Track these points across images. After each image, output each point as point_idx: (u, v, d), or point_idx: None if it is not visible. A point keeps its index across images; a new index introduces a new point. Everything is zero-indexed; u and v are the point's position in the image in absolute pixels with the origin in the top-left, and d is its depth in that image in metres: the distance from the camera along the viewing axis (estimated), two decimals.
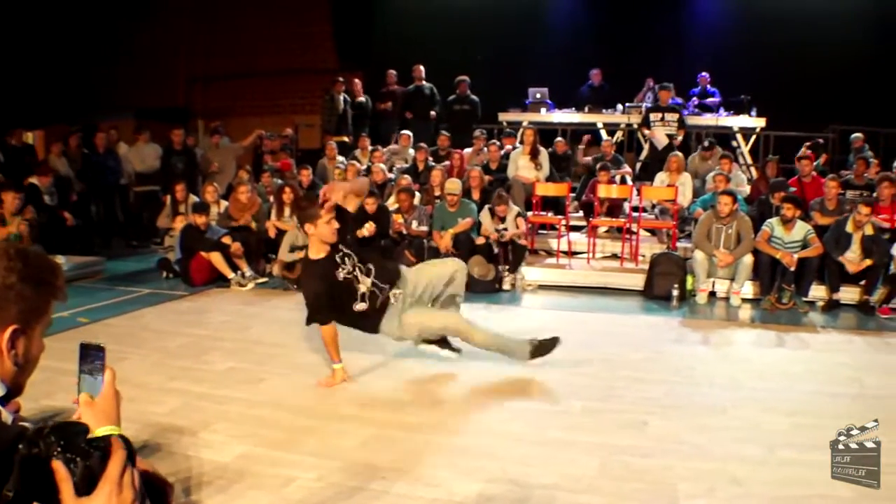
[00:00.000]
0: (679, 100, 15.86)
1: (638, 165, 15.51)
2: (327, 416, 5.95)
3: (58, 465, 1.54)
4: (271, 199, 12.66)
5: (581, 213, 13.50)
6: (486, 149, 14.40)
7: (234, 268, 11.12)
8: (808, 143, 13.78)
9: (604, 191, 12.70)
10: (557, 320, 9.49)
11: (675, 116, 14.45)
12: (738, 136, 15.89)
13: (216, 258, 10.96)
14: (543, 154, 13.70)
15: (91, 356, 1.96)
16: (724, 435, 5.73)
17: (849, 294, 10.74)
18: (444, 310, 7.00)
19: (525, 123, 15.50)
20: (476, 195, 12.45)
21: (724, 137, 15.67)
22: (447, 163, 14.10)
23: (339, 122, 16.48)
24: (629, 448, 5.42)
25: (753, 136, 15.91)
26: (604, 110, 16.32)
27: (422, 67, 16.71)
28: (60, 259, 10.35)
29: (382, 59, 18.35)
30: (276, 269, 11.55)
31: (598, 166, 13.33)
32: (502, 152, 14.20)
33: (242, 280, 11.03)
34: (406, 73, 16.97)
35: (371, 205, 11.50)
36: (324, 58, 19.58)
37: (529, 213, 12.55)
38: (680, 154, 13.27)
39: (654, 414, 6.07)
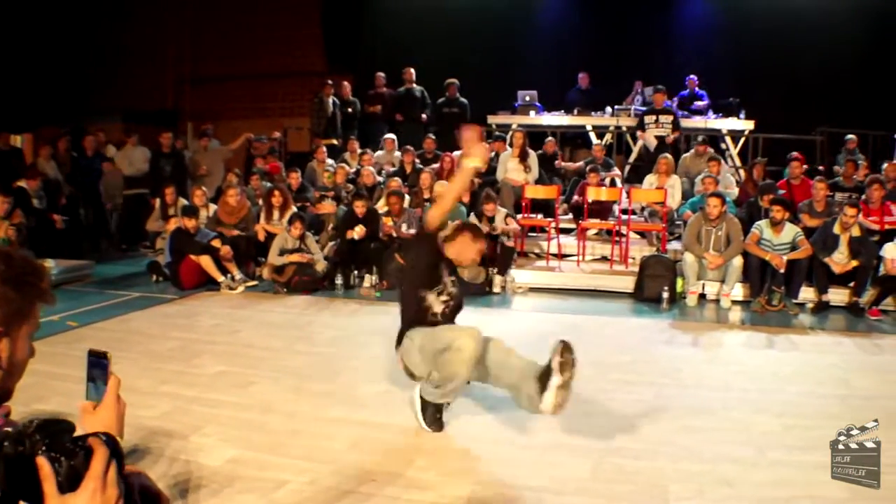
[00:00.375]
0: (669, 102, 15.89)
1: (627, 168, 15.52)
2: (317, 419, 5.94)
3: (42, 462, 1.53)
4: (260, 202, 12.64)
5: (570, 216, 13.50)
6: None
7: (224, 271, 11.10)
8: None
9: (593, 193, 12.70)
10: (547, 323, 9.51)
11: (670, 118, 14.49)
12: (727, 139, 15.91)
13: (206, 261, 10.95)
14: (532, 157, 13.72)
15: (97, 364, 1.96)
16: (714, 436, 5.74)
17: (838, 296, 10.77)
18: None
19: (514, 126, 15.49)
20: (465, 198, 12.44)
21: (712, 140, 15.68)
22: (436, 165, 14.09)
23: (328, 124, 16.47)
24: (620, 450, 5.43)
25: (742, 139, 15.93)
26: (593, 113, 16.33)
27: (412, 70, 16.71)
28: (49, 263, 10.35)
29: (371, 62, 18.35)
30: (265, 272, 11.52)
31: (587, 168, 13.33)
32: (491, 154, 14.20)
33: (232, 283, 11.01)
34: (395, 75, 16.97)
35: (360, 208, 11.51)
36: (313, 61, 19.58)
37: (519, 216, 12.54)
38: (669, 157, 13.28)
39: (645, 416, 6.07)
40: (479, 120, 16.25)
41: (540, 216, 13.07)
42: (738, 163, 15.77)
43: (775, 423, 6.08)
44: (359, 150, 15.16)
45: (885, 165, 13.00)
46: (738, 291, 11.05)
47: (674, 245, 12.27)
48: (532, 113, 16.36)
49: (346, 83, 17.13)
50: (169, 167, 14.68)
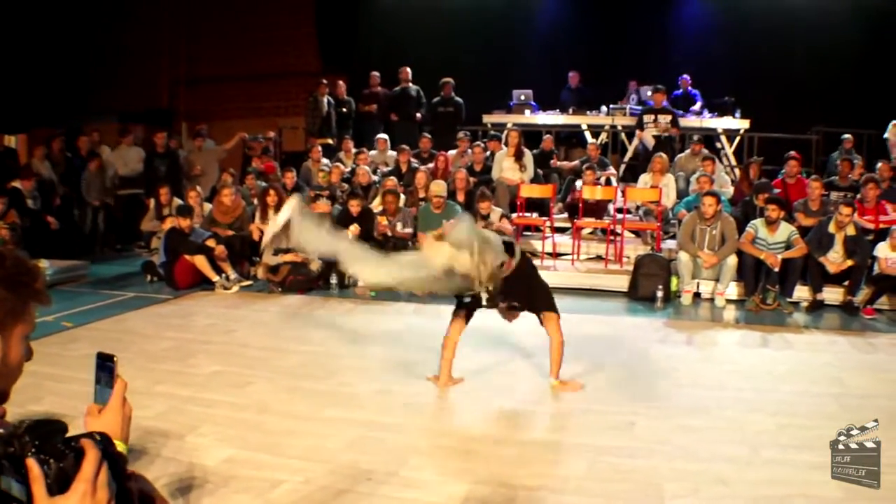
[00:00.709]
0: (665, 102, 15.91)
1: (622, 167, 15.53)
2: (313, 418, 5.95)
3: (31, 464, 1.53)
4: (255, 201, 12.62)
5: (566, 215, 13.50)
6: (470, 150, 14.40)
7: (219, 271, 11.08)
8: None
9: (588, 192, 12.70)
10: None
11: (668, 118, 14.49)
12: (723, 138, 15.92)
13: (200, 261, 10.93)
14: (528, 156, 13.72)
15: (104, 366, 1.95)
16: (709, 435, 5.76)
17: (833, 294, 10.79)
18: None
19: (509, 125, 15.46)
20: (461, 197, 12.45)
21: (708, 139, 15.70)
22: (431, 165, 14.09)
23: (323, 124, 16.43)
24: (615, 449, 5.44)
25: (738, 138, 15.95)
26: (588, 112, 16.34)
27: (408, 69, 16.67)
28: (44, 263, 10.34)
29: (366, 62, 18.31)
30: (260, 271, 11.49)
31: (583, 167, 13.34)
32: (487, 153, 14.22)
33: (227, 283, 11.00)
34: (390, 75, 16.95)
35: (355, 207, 11.50)
36: (308, 60, 19.54)
37: (514, 215, 12.56)
38: (664, 156, 13.29)
39: (640, 415, 6.09)
40: (474, 119, 16.31)
41: (535, 215, 13.07)
42: (733, 162, 15.78)
43: (770, 421, 6.10)
44: (354, 150, 15.14)
45: (879, 164, 13.02)
46: (733, 290, 11.06)
47: (668, 244, 12.26)
48: (527, 112, 16.36)
49: (340, 82, 17.11)
50: (164, 167, 14.63)
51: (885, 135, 14.68)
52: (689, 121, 15.83)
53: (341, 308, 10.23)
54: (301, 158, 15.70)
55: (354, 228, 11.26)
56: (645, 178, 13.10)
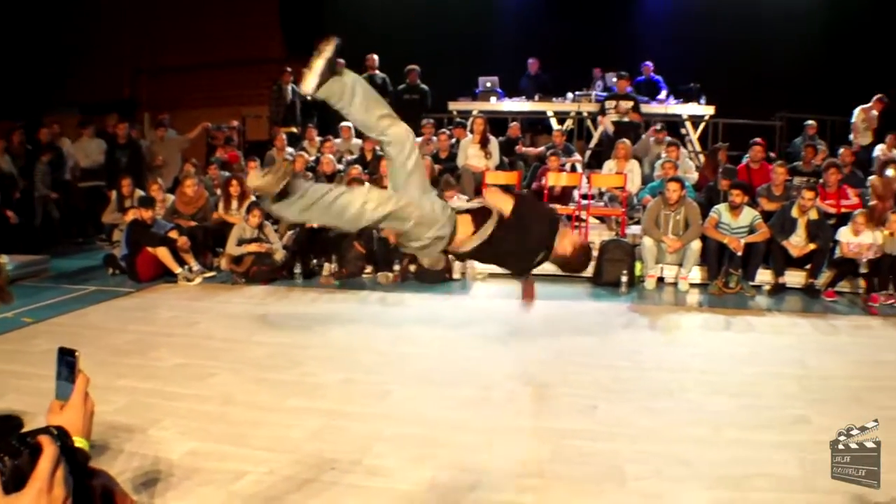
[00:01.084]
0: (629, 88, 15.96)
1: (588, 153, 15.56)
2: (276, 409, 5.92)
3: None
4: (218, 191, 12.56)
5: None
6: (435, 138, 14.40)
7: (182, 262, 11.00)
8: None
9: (553, 178, 12.72)
10: (507, 308, 9.53)
11: (630, 104, 14.52)
12: (688, 124, 16.01)
13: (163, 253, 10.84)
14: (493, 143, 13.73)
15: (65, 362, 1.94)
16: (671, 417, 5.79)
17: (795, 278, 10.90)
18: None
19: (475, 112, 15.48)
20: None
21: (673, 125, 15.77)
22: None
23: (287, 112, 16.35)
24: (579, 432, 5.46)
25: (702, 124, 16.04)
26: (553, 99, 16.38)
27: (375, 56, 16.61)
28: (4, 259, 10.20)
29: None
30: (223, 262, 11.43)
31: (548, 153, 13.37)
32: (452, 141, 14.22)
33: (190, 275, 10.93)
34: (355, 62, 16.84)
35: None
36: (271, 48, 19.40)
37: None
38: (627, 142, 13.33)
39: (604, 398, 6.11)
40: (440, 106, 16.28)
41: None
42: (697, 148, 15.86)
43: (732, 403, 6.15)
44: (319, 138, 15.09)
45: (841, 150, 13.13)
46: (696, 274, 11.14)
47: (633, 229, 12.30)
48: (493, 99, 16.38)
49: (305, 70, 16.99)
50: (125, 158, 14.49)
51: (852, 119, 14.81)
52: (653, 107, 15.89)
53: (305, 298, 10.20)
54: (265, 147, 15.61)
55: None
56: (610, 165, 13.13)
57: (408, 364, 7.09)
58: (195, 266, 11.05)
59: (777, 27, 17.16)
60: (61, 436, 1.65)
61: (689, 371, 7.06)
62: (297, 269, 11.10)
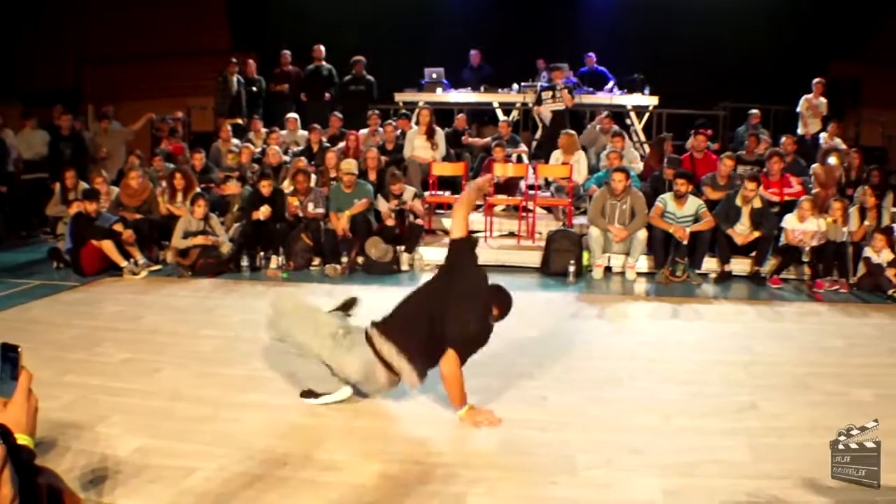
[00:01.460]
0: (574, 79, 16.02)
1: (534, 144, 15.59)
2: (225, 404, 5.87)
3: None
4: (163, 183, 12.43)
5: None
6: (381, 129, 14.36)
7: (127, 256, 10.87)
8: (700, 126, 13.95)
9: (500, 169, 12.74)
10: None
11: (565, 93, 14.54)
12: (632, 114, 16.09)
13: (107, 246, 10.71)
14: (439, 134, 13.72)
15: (7, 358, 1.90)
16: (621, 406, 5.83)
17: (741, 266, 11.05)
18: None
19: (421, 103, 15.49)
20: (372, 176, 12.41)
21: (617, 115, 15.85)
22: (342, 144, 14.01)
23: (233, 104, 16.20)
24: (529, 423, 5.48)
25: (646, 114, 16.13)
26: (499, 90, 16.41)
27: (322, 48, 16.53)
28: None
29: (277, 40, 18.09)
30: (169, 256, 11.34)
31: (494, 144, 13.38)
32: (398, 132, 14.20)
33: (135, 268, 10.79)
34: (301, 53, 16.79)
35: (266, 188, 11.39)
36: (217, 38, 19.21)
37: (426, 193, 12.56)
38: (573, 133, 13.36)
39: (553, 388, 6.13)
40: (386, 97, 16.25)
41: (447, 193, 13.07)
42: (642, 138, 15.96)
43: (680, 390, 6.21)
44: (264, 130, 14.99)
45: (783, 139, 13.28)
46: (643, 264, 11.23)
47: (580, 219, 12.37)
48: (439, 90, 16.37)
49: (251, 61, 16.89)
50: (69, 150, 14.31)
51: (798, 108, 14.99)
52: (598, 97, 15.97)
53: (253, 291, 10.13)
54: (210, 139, 15.48)
55: (265, 210, 11.17)
56: (557, 155, 13.16)
57: None
58: (141, 259, 10.92)
59: (718, 18, 17.34)
60: (4, 434, 1.62)
61: (637, 359, 7.12)
62: (244, 262, 11.01)
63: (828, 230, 10.67)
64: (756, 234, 10.75)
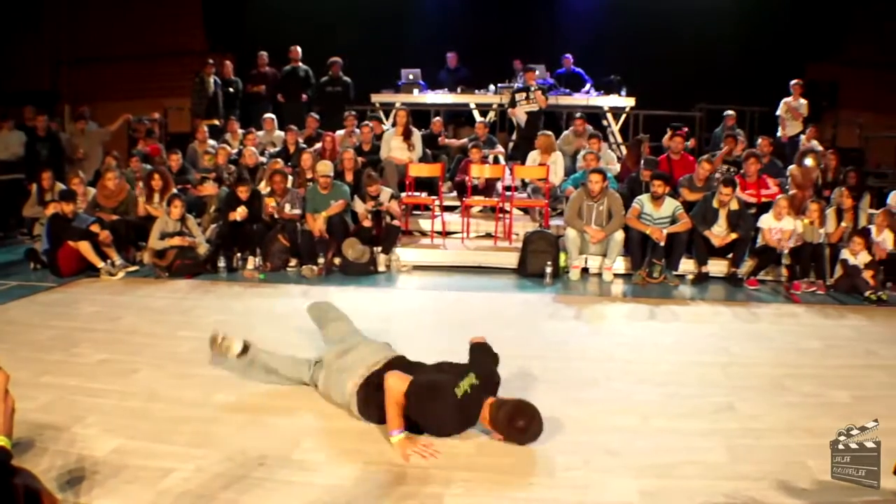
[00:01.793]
0: (551, 80, 16.05)
1: (510, 145, 15.61)
2: (203, 405, 5.85)
3: None
4: (140, 185, 12.38)
5: (455, 194, 13.55)
6: (358, 130, 14.34)
7: (104, 257, 10.83)
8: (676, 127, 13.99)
9: (477, 170, 12.75)
10: (433, 300, 9.57)
11: (539, 94, 14.56)
12: (609, 116, 16.14)
13: (84, 247, 10.67)
14: (416, 135, 13.72)
15: None
16: (598, 407, 5.84)
17: (717, 267, 11.09)
18: None
19: (398, 104, 15.51)
20: (349, 177, 12.40)
21: (594, 117, 15.90)
22: (318, 145, 13.99)
23: (210, 105, 16.17)
24: None
25: (623, 116, 16.17)
26: (476, 91, 16.43)
27: (298, 49, 16.51)
28: None
29: (254, 41, 18.05)
30: (146, 256, 11.30)
31: (470, 145, 13.39)
32: (373, 133, 14.19)
33: (112, 269, 10.75)
34: (278, 54, 16.77)
35: (244, 192, 11.35)
36: (193, 39, 19.19)
37: (403, 195, 12.55)
38: (550, 134, 13.39)
39: (524, 389, 6.10)
40: (362, 98, 16.24)
41: (424, 194, 13.08)
42: (619, 139, 16.01)
43: (657, 392, 6.22)
44: (241, 131, 14.94)
45: (759, 140, 13.33)
46: (620, 265, 11.26)
47: (557, 221, 12.39)
48: (416, 91, 16.41)
49: (227, 62, 16.86)
50: (45, 151, 14.27)
51: (777, 112, 15.06)
52: (575, 99, 16.00)
53: (230, 292, 10.10)
54: (187, 140, 15.45)
55: (241, 210, 11.14)
56: (533, 156, 13.18)
57: None
58: (118, 260, 10.88)
59: (695, 20, 17.44)
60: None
61: (614, 361, 7.14)
62: (221, 263, 10.98)
63: (804, 232, 10.73)
64: (733, 235, 10.80)
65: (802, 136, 14.50)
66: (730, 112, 15.29)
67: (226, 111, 16.31)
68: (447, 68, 17.21)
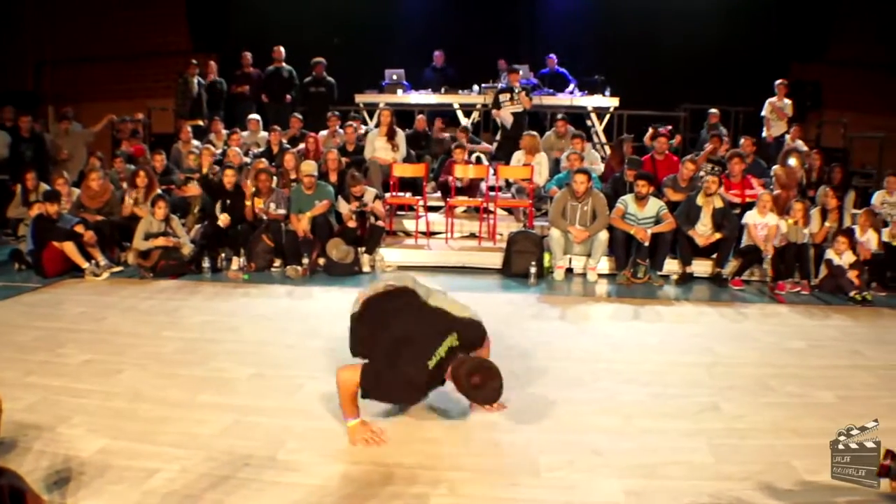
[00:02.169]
0: (534, 80, 16.07)
1: (494, 145, 15.62)
2: (187, 404, 5.83)
3: None
4: (124, 185, 12.35)
5: (439, 194, 13.55)
6: (341, 130, 14.33)
7: (88, 257, 10.79)
8: (658, 127, 14.01)
9: (460, 171, 12.75)
10: None
11: (523, 95, 14.57)
12: (593, 116, 16.16)
13: (69, 248, 10.62)
14: (400, 135, 13.70)
15: None
16: (583, 407, 5.84)
17: (702, 267, 11.11)
18: None
19: (382, 105, 15.48)
20: (333, 177, 12.38)
21: (578, 117, 15.91)
22: (302, 146, 13.97)
23: (194, 105, 16.15)
24: (491, 424, 5.48)
25: (607, 116, 16.20)
26: (460, 91, 16.44)
27: (282, 49, 16.48)
28: None
29: (238, 41, 18.02)
30: (130, 257, 11.27)
31: (453, 145, 13.39)
32: (361, 132, 14.18)
33: (97, 270, 10.71)
34: (262, 54, 16.74)
35: (230, 177, 11.40)
36: (177, 39, 19.12)
37: (387, 195, 12.54)
38: (535, 134, 13.40)
39: (515, 389, 6.10)
40: (346, 99, 16.23)
41: (408, 195, 13.07)
42: (603, 139, 16.03)
43: (642, 392, 6.23)
44: (225, 131, 14.91)
45: (742, 140, 13.35)
46: (604, 265, 11.29)
47: (541, 221, 12.40)
48: (399, 91, 16.41)
49: (211, 62, 16.85)
50: (30, 152, 14.21)
51: (762, 112, 15.11)
52: (559, 99, 16.02)
53: (214, 292, 10.07)
54: (171, 140, 15.39)
55: (224, 218, 11.17)
56: (518, 156, 13.19)
57: (319, 358, 7.03)
58: (102, 261, 10.84)
59: (680, 20, 17.48)
60: None
61: (599, 361, 7.14)
62: (206, 264, 10.97)
63: (788, 232, 10.76)
64: (717, 235, 10.83)
65: (787, 136, 14.54)
66: (713, 110, 15.32)
67: (209, 111, 16.27)
68: (434, 67, 17.23)
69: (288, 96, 16.49)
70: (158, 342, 7.58)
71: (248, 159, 13.62)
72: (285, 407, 5.78)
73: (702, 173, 12.36)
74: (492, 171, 13.08)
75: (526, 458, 4.95)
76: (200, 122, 15.92)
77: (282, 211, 11.51)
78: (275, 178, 12.29)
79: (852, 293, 10.11)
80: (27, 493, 2.04)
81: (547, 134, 14.54)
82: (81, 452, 4.90)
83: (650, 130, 13.68)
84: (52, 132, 15.76)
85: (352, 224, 11.32)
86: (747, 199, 11.72)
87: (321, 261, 11.22)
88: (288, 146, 13.90)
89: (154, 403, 5.87)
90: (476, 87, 16.42)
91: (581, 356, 7.29)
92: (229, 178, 11.44)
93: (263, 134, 14.89)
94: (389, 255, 11.70)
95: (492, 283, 10.89)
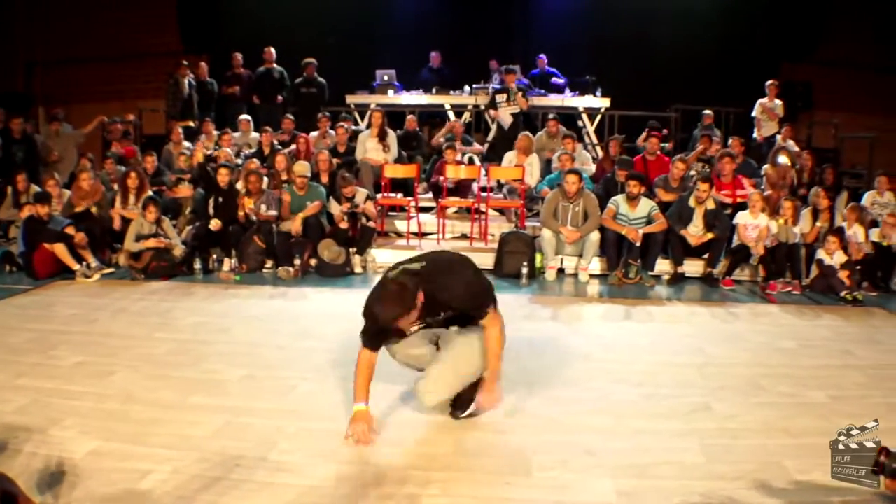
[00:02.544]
0: (526, 80, 16.08)
1: (486, 146, 15.61)
2: (179, 406, 5.82)
3: None
4: (115, 186, 12.33)
5: (430, 195, 13.55)
6: (332, 131, 14.33)
7: (79, 259, 10.77)
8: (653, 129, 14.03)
9: (452, 171, 12.75)
10: None
11: (519, 96, 14.58)
12: (584, 116, 16.17)
13: (60, 249, 10.60)
14: (391, 136, 13.71)
15: None
16: (575, 407, 5.84)
17: (693, 267, 11.13)
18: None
19: (373, 105, 15.51)
20: (324, 178, 12.38)
21: (569, 117, 15.92)
22: (293, 147, 13.96)
23: (185, 106, 16.10)
24: (483, 424, 5.49)
25: (598, 116, 16.21)
26: (451, 92, 16.44)
27: (273, 50, 16.46)
28: None
29: (228, 42, 17.99)
30: (122, 258, 11.24)
31: (444, 146, 13.38)
32: (348, 134, 14.18)
33: (88, 271, 10.69)
34: (253, 55, 16.72)
35: (224, 177, 11.39)
36: (168, 40, 19.06)
37: (378, 196, 12.54)
38: (529, 135, 13.41)
39: (507, 390, 6.07)
40: (337, 100, 16.22)
41: (400, 195, 13.07)
42: (594, 140, 16.04)
43: (634, 392, 6.23)
44: (216, 132, 14.88)
45: (731, 140, 13.37)
46: (596, 265, 11.29)
47: (532, 221, 12.41)
48: (391, 92, 16.39)
49: (202, 63, 16.81)
50: (21, 153, 14.17)
51: (753, 113, 15.14)
52: (550, 99, 16.03)
53: (206, 293, 10.05)
54: (162, 141, 15.37)
55: (215, 223, 11.18)
56: (510, 157, 13.19)
57: (310, 359, 7.03)
58: (93, 262, 10.81)
59: (670, 20, 17.51)
60: None
61: (591, 361, 7.14)
62: (197, 265, 10.95)
63: (779, 231, 10.78)
64: (709, 235, 10.85)
65: (778, 137, 14.56)
66: (707, 112, 15.36)
67: (201, 112, 16.25)
68: (430, 67, 17.22)
69: (279, 97, 16.47)
70: (150, 344, 7.56)
71: (239, 160, 13.60)
72: (277, 408, 5.77)
73: (692, 173, 12.39)
74: (483, 171, 13.08)
75: (518, 458, 4.94)
76: (191, 123, 15.87)
77: (273, 212, 11.49)
78: (265, 178, 12.27)
79: (843, 293, 10.13)
80: (19, 497, 2.03)
81: (538, 134, 14.54)
82: (73, 454, 4.89)
83: (645, 132, 13.68)
84: (42, 133, 15.71)
85: (343, 225, 11.31)
86: (738, 200, 11.74)
87: (313, 262, 11.22)
88: (279, 147, 13.88)
89: (146, 405, 5.85)
90: (467, 88, 16.41)
91: (573, 356, 7.29)
92: (223, 176, 11.43)
93: (255, 135, 14.86)
94: (381, 255, 11.70)
95: None
